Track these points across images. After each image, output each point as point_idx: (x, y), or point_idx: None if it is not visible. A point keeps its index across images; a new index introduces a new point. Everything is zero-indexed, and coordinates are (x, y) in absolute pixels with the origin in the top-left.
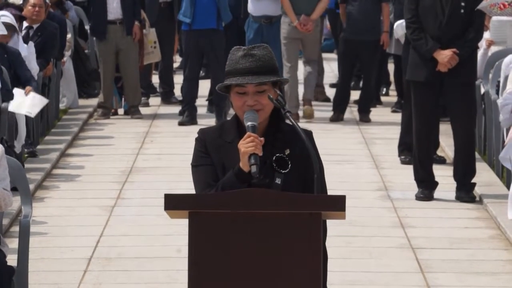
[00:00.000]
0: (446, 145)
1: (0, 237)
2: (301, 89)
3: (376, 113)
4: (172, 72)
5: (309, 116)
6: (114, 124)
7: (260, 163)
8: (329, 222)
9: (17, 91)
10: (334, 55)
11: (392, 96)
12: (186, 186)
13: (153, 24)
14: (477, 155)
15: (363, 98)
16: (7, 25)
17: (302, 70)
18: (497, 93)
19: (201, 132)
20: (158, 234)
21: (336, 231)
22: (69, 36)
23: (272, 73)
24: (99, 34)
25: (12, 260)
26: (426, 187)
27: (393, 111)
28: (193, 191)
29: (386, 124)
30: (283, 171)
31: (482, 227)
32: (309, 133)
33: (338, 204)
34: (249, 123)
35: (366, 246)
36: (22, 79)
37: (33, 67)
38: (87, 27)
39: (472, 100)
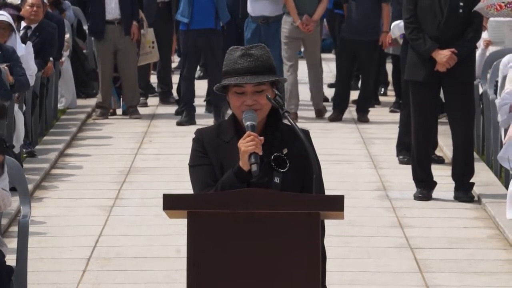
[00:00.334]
0: (445, 145)
1: None
2: (301, 89)
3: (374, 113)
4: (170, 72)
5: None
6: (112, 124)
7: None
8: (328, 222)
9: None
10: (332, 55)
11: (390, 96)
12: (185, 186)
13: (151, 24)
14: (475, 155)
15: (361, 98)
16: (5, 25)
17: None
18: (495, 93)
19: (199, 132)
20: (157, 234)
21: (334, 231)
22: (67, 36)
23: (270, 73)
24: (97, 34)
25: (11, 260)
26: (425, 187)
27: (391, 111)
28: (191, 191)
29: (385, 124)
30: (281, 170)
31: (481, 227)
32: (306, 133)
33: (336, 204)
34: (248, 123)
35: (365, 246)
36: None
37: (31, 67)
38: (85, 27)
39: (470, 100)
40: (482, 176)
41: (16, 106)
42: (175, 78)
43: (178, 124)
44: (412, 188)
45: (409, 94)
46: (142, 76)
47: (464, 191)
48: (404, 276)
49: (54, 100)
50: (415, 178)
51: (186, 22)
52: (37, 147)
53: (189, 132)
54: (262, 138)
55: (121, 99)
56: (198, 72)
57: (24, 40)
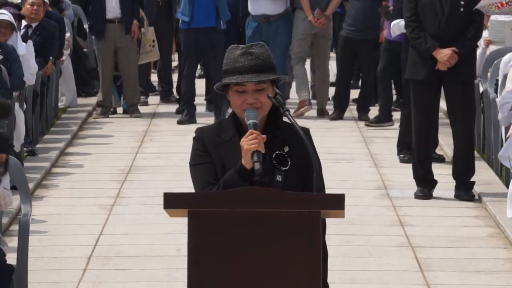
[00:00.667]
0: (445, 144)
1: (0, 236)
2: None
3: (375, 112)
4: (171, 71)
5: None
6: (113, 123)
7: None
8: (329, 221)
9: None
10: (332, 54)
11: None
12: (186, 184)
13: (151, 22)
14: (476, 153)
15: (362, 97)
16: (6, 24)
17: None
18: (496, 91)
19: (199, 131)
20: (158, 233)
21: (335, 230)
22: (68, 35)
23: (270, 71)
24: (98, 33)
25: (11, 258)
26: (425, 185)
27: (392, 110)
28: (192, 190)
29: (385, 123)
30: (283, 169)
31: (481, 226)
32: (306, 131)
33: (337, 203)
34: (250, 121)
35: (366, 244)
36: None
37: (32, 66)
38: (86, 25)
39: (471, 98)
40: (483, 175)
41: (16, 105)
42: (175, 77)
43: (179, 122)
44: (413, 187)
45: (410, 93)
46: (142, 74)
47: (464, 190)
48: (405, 275)
49: (55, 98)
50: (415, 176)
51: (186, 21)
52: (38, 145)
53: (190, 131)
54: (264, 136)
55: (122, 97)
56: (198, 71)
57: (24, 39)
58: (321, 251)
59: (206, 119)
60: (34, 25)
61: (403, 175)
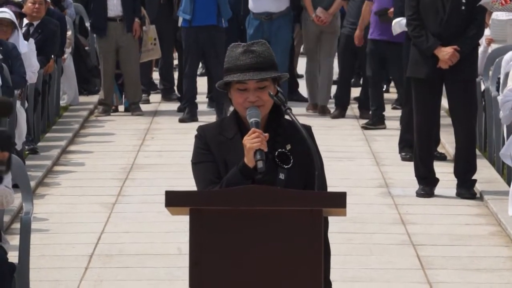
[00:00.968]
0: (447, 142)
1: (1, 234)
2: (302, 85)
3: None
4: (172, 69)
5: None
6: (114, 121)
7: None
8: (330, 219)
9: None
10: None
11: (392, 93)
12: (187, 182)
13: (153, 21)
14: (477, 151)
15: (363, 95)
16: (8, 22)
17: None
18: (497, 90)
19: (201, 129)
20: (159, 231)
21: (337, 228)
22: (69, 33)
23: (272, 69)
24: (99, 31)
25: (13, 257)
26: (427, 183)
27: (394, 108)
28: (193, 188)
29: (387, 121)
30: (285, 167)
31: (483, 224)
32: (308, 128)
33: (339, 201)
34: (252, 120)
35: (367, 242)
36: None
37: (34, 64)
38: (87, 24)
39: (472, 97)
40: (484, 173)
41: (18, 103)
42: (177, 75)
43: (180, 121)
44: (414, 185)
45: (412, 91)
46: (144, 73)
47: (466, 188)
48: (406, 273)
49: (56, 97)
50: (417, 175)
51: (188, 19)
52: (39, 144)
53: (191, 129)
54: (267, 134)
55: (123, 96)
56: (199, 69)
57: (26, 37)
58: (322, 249)
59: (207, 117)
60: (35, 23)
61: (405, 173)
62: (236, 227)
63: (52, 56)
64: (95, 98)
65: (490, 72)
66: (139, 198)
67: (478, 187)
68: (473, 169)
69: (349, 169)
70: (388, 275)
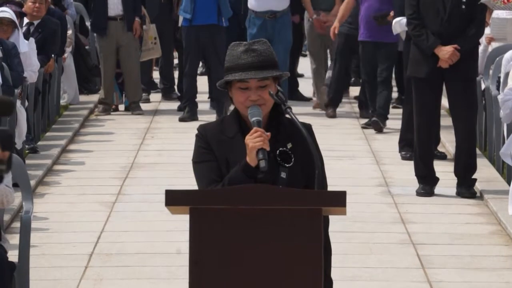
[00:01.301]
0: (447, 141)
1: (1, 233)
2: (303, 84)
3: None
4: (172, 68)
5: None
6: (114, 120)
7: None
8: (330, 218)
9: None
10: None
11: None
12: (187, 182)
13: (153, 20)
14: (477, 151)
15: (363, 95)
16: (8, 21)
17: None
18: (498, 89)
19: (202, 128)
20: (159, 230)
21: (336, 227)
22: (69, 32)
23: (273, 67)
24: (99, 30)
25: (13, 256)
26: (427, 182)
27: (394, 107)
28: (194, 187)
29: (387, 120)
30: (287, 165)
31: (483, 223)
32: (308, 127)
33: (339, 200)
34: (254, 119)
35: (367, 241)
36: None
37: (34, 63)
38: (87, 23)
39: (473, 96)
40: (484, 172)
41: (18, 102)
42: (177, 74)
43: (181, 120)
44: (415, 184)
45: (412, 90)
46: (144, 72)
47: (466, 187)
48: (406, 272)
49: (57, 96)
50: (417, 174)
51: (188, 18)
52: (40, 143)
53: (191, 128)
54: (269, 133)
55: (124, 95)
56: (200, 68)
57: (26, 36)
58: (322, 248)
59: (207, 116)
60: (36, 22)
61: (405, 172)
62: (235, 226)
63: (53, 55)
64: (95, 97)
65: (491, 71)
66: (139, 197)
67: (478, 186)
68: (473, 168)
69: (349, 168)
70: (388, 274)
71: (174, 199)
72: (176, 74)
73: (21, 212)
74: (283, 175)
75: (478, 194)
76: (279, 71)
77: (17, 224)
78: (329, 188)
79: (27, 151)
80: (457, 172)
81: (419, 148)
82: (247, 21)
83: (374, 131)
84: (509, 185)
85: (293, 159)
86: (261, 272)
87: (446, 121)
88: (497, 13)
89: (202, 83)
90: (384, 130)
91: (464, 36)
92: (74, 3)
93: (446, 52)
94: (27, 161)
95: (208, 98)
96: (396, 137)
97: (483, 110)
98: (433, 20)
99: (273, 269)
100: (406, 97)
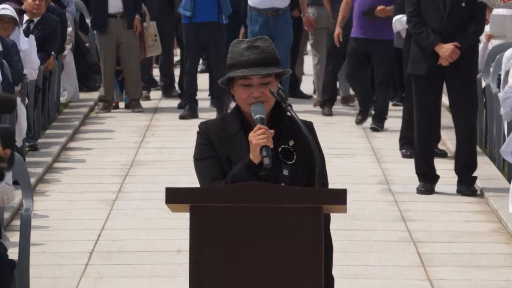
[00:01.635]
0: (448, 139)
1: (1, 230)
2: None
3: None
4: (172, 66)
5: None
6: (115, 118)
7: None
8: (331, 215)
9: None
10: None
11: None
12: (188, 179)
13: (153, 17)
14: (478, 148)
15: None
16: (9, 19)
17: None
18: (498, 86)
19: (203, 125)
20: (160, 228)
21: (337, 225)
22: (69, 29)
23: (276, 65)
24: (100, 27)
25: (13, 253)
26: (427, 180)
27: (394, 105)
28: (194, 185)
29: (387, 118)
30: (289, 162)
31: (483, 221)
32: (309, 125)
33: (339, 198)
34: (257, 116)
35: (367, 239)
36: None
37: (34, 60)
38: (88, 20)
39: (473, 93)
40: (485, 170)
41: (18, 100)
42: (177, 72)
43: (181, 117)
44: (415, 182)
45: (412, 88)
46: (144, 69)
47: (467, 185)
48: (407, 270)
49: (57, 93)
50: (418, 171)
51: (188, 16)
52: (40, 140)
53: (192, 125)
54: (272, 131)
55: (124, 92)
56: (200, 66)
57: (26, 33)
58: (323, 246)
59: (208, 114)
60: (36, 20)
61: (405, 170)
62: (236, 224)
63: (53, 52)
64: (95, 95)
65: (491, 69)
66: (139, 195)
67: (478, 184)
68: (474, 166)
69: (349, 166)
70: (389, 272)
71: (174, 197)
72: (177, 71)
73: (21, 210)
74: (285, 172)
75: (478, 192)
76: (281, 68)
77: (17, 222)
78: (330, 186)
79: (27, 149)
80: (457, 170)
81: (419, 146)
82: (248, 19)
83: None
84: (510, 183)
85: (295, 157)
86: (262, 270)
87: (446, 119)
88: (497, 10)
89: (203, 80)
90: (385, 128)
91: (464, 33)
92: (74, 0)
93: (446, 50)
94: (27, 159)
95: (209, 95)
96: (396, 135)
97: (484, 108)
98: (433, 17)
99: (274, 267)
100: (406, 95)
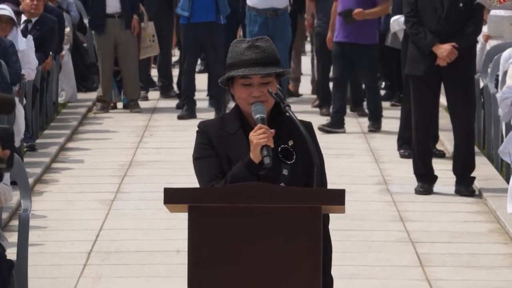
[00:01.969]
0: (446, 139)
1: (0, 231)
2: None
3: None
4: (170, 66)
5: None
6: (113, 118)
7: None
8: (329, 215)
9: None
10: None
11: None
12: (186, 179)
13: (151, 17)
14: (476, 149)
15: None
16: (7, 19)
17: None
18: (496, 87)
19: (203, 124)
20: (158, 228)
21: (335, 225)
22: (67, 29)
23: (276, 64)
24: (98, 27)
25: (11, 254)
26: (426, 181)
27: (392, 105)
28: (192, 185)
29: (385, 118)
30: (289, 162)
31: (482, 221)
32: (308, 125)
33: (337, 198)
34: (258, 116)
35: (366, 240)
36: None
37: (32, 61)
38: (85, 20)
39: (471, 94)
40: (483, 170)
41: (16, 100)
42: (176, 72)
43: (179, 118)
44: (413, 182)
45: (410, 88)
46: (142, 69)
47: (465, 185)
48: (405, 270)
49: (55, 94)
50: (416, 172)
51: (186, 16)
52: (38, 140)
53: (190, 126)
54: (273, 130)
55: (122, 92)
56: (198, 66)
57: (24, 33)
58: (321, 247)
59: (206, 114)
60: (33, 20)
61: (404, 170)
62: (234, 225)
63: (51, 53)
64: (93, 95)
65: (489, 69)
66: (137, 195)
67: (477, 184)
68: (472, 167)
69: (348, 166)
70: (387, 272)
71: (172, 197)
72: (176, 71)
73: (19, 210)
74: (285, 172)
75: (477, 192)
76: (281, 68)
77: (15, 222)
78: (328, 186)
79: (25, 149)
80: (455, 170)
81: (417, 146)
82: (246, 19)
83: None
84: (508, 183)
85: (294, 156)
86: (261, 270)
87: (444, 119)
88: (494, 11)
89: (201, 81)
90: (383, 129)
91: (462, 34)
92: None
93: (444, 50)
94: (25, 159)
95: (207, 96)
96: (394, 135)
97: (482, 108)
98: (431, 18)
99: (272, 267)
100: (404, 95)
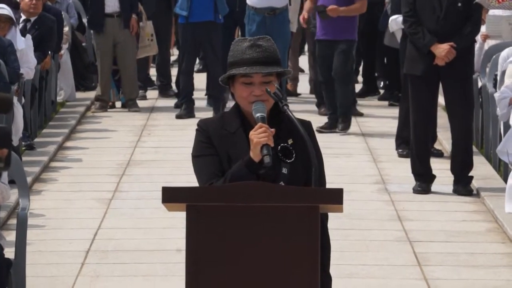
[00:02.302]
0: (444, 139)
1: None
2: (302, 82)
3: (373, 106)
4: (169, 65)
5: None
6: (111, 117)
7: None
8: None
9: None
10: None
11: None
12: (184, 179)
13: (150, 17)
14: (474, 148)
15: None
16: (5, 18)
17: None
18: (495, 86)
19: (203, 122)
20: (156, 227)
21: (333, 224)
22: (66, 29)
23: (277, 64)
24: (96, 27)
25: (9, 252)
26: (424, 180)
27: (390, 105)
28: (190, 184)
29: (384, 118)
30: (288, 161)
31: (480, 221)
32: (307, 124)
33: (335, 197)
34: (258, 114)
35: (364, 239)
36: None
37: (31, 60)
38: (84, 20)
39: (469, 93)
40: (481, 170)
41: (15, 99)
42: (174, 71)
43: (177, 117)
44: (411, 182)
45: (408, 88)
46: (141, 69)
47: (463, 185)
48: (403, 269)
49: (53, 93)
50: (414, 171)
51: (184, 15)
52: (36, 140)
53: (188, 125)
54: (273, 129)
55: (120, 92)
56: (197, 65)
57: (23, 33)
58: (319, 246)
59: (204, 113)
60: (32, 19)
61: (402, 169)
62: (232, 224)
63: (49, 52)
64: (92, 94)
65: (487, 69)
66: (135, 194)
67: (474, 183)
68: (470, 166)
69: (346, 166)
70: (385, 271)
71: (171, 196)
72: (174, 71)
73: (17, 209)
74: (285, 170)
75: (474, 192)
76: (282, 68)
77: (13, 221)
78: (326, 185)
79: (23, 148)
80: (453, 170)
81: (415, 145)
82: (246, 18)
83: (371, 129)
84: (506, 182)
85: (294, 155)
86: (259, 269)
87: (442, 119)
88: (493, 11)
89: (199, 80)
90: (381, 128)
91: (460, 34)
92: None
93: (442, 50)
94: (24, 158)
95: (205, 95)
96: (392, 135)
97: (480, 108)
98: (429, 18)
99: (270, 266)
100: (402, 95)
